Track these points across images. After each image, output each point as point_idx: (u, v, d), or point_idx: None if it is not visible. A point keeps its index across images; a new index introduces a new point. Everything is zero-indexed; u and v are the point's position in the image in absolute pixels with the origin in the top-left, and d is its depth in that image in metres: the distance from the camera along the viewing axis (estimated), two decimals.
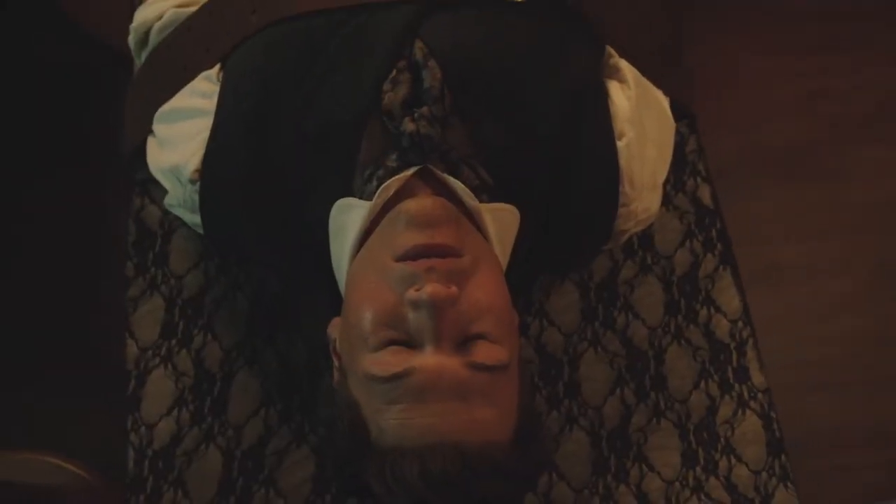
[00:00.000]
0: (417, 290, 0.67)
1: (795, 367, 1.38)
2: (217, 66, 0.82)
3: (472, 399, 0.67)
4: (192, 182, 0.81)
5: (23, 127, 1.49)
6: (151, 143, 0.88)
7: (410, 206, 0.72)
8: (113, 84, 1.48)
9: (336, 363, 0.76)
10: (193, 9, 0.88)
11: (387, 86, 0.75)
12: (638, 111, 0.81)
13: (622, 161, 0.79)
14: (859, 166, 1.60)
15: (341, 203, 0.76)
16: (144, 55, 0.93)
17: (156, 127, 0.86)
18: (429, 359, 0.66)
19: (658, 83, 0.87)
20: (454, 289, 0.67)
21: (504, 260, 0.78)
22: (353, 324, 0.71)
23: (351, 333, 0.72)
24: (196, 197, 0.81)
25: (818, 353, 1.43)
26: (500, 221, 0.76)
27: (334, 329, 0.78)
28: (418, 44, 0.76)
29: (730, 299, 0.93)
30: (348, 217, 0.76)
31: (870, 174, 1.60)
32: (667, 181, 0.91)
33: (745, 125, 1.58)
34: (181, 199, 0.85)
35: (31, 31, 1.57)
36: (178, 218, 0.93)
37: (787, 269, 1.50)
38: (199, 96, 0.82)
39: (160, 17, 0.90)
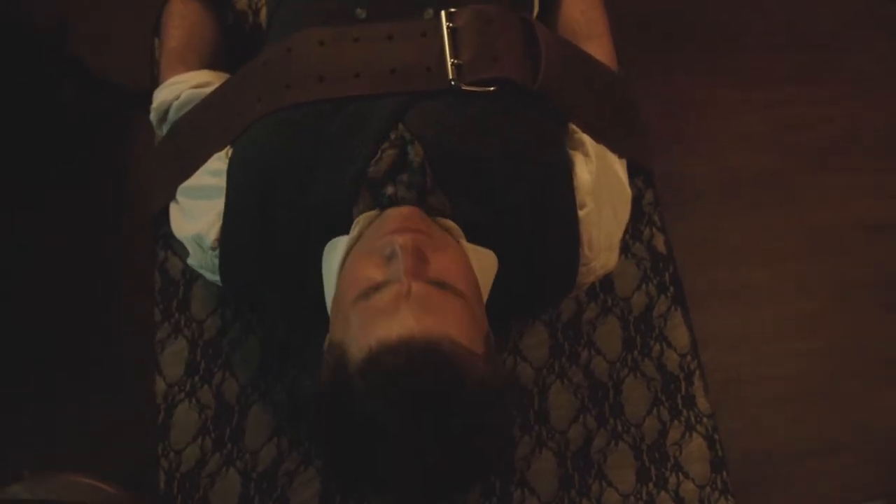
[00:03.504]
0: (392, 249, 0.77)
1: (757, 383, 1.51)
2: (228, 147, 0.94)
3: (442, 313, 0.74)
4: (213, 249, 0.93)
5: (43, 166, 1.62)
6: (175, 211, 1.00)
7: (389, 212, 0.83)
8: (129, 124, 1.62)
9: (327, 358, 0.81)
10: (208, 90, 1.02)
11: (373, 162, 0.86)
12: (598, 183, 0.93)
13: (582, 228, 0.91)
14: (824, 192, 1.71)
15: (329, 244, 0.87)
16: (165, 128, 1.06)
17: (179, 198, 0.99)
18: (401, 279, 0.75)
19: (616, 149, 0.99)
20: (423, 236, 0.78)
21: (484, 297, 0.86)
22: (341, 300, 0.80)
23: (339, 308, 0.80)
24: (216, 261, 0.94)
25: (779, 370, 1.55)
26: (482, 261, 0.86)
27: (326, 340, 0.84)
28: (403, 128, 0.88)
29: (680, 336, 1.06)
30: (336, 252, 0.86)
31: (834, 199, 1.71)
32: (626, 232, 1.04)
33: (715, 153, 1.70)
34: (203, 262, 0.97)
35: (50, 78, 1.70)
36: None
37: (753, 290, 1.61)
38: (214, 175, 0.94)
39: (178, 97, 1.03)
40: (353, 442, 0.75)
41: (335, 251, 0.86)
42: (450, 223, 0.86)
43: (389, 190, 0.85)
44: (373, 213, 0.85)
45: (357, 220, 0.85)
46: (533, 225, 0.90)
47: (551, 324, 1.06)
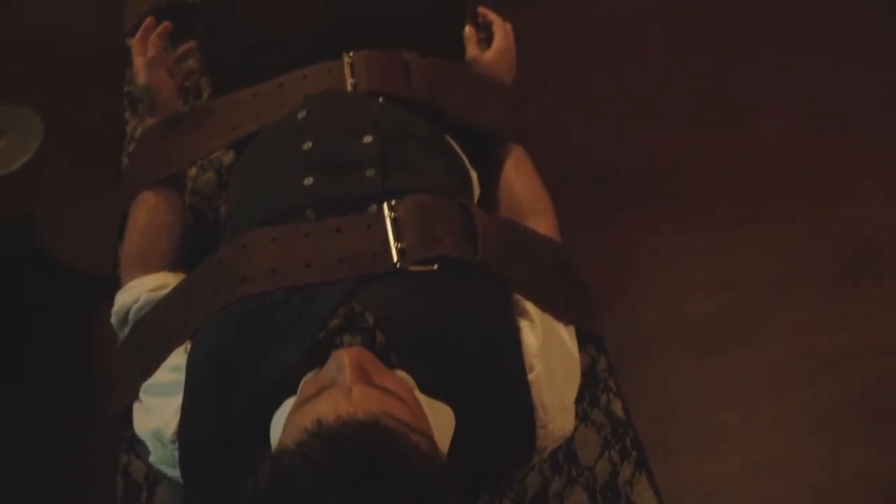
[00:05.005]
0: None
1: None
2: (188, 341, 0.97)
3: (385, 403, 0.72)
4: (172, 442, 0.93)
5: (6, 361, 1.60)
6: (138, 409, 1.01)
7: (335, 353, 0.80)
8: (92, 310, 1.63)
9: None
10: (164, 292, 1.05)
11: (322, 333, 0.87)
12: (545, 346, 0.96)
13: (533, 391, 0.92)
14: (781, 328, 1.73)
15: (279, 409, 0.85)
16: (126, 330, 1.09)
17: (142, 396, 1.00)
18: (344, 383, 0.73)
19: (561, 317, 1.03)
20: (370, 358, 0.78)
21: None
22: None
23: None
24: (176, 454, 0.94)
25: None
26: (437, 413, 0.85)
27: None
28: (354, 304, 0.90)
29: (647, 501, 1.06)
30: (283, 408, 0.84)
31: (792, 334, 1.73)
32: (583, 399, 1.06)
33: (668, 300, 1.73)
34: (163, 458, 0.97)
35: (13, 267, 1.72)
36: (160, 472, 1.05)
37: (723, 435, 1.60)
38: (174, 371, 0.96)
39: (137, 300, 1.07)
40: None
41: (283, 408, 0.85)
42: (402, 373, 0.86)
43: (346, 339, 0.86)
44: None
45: (304, 379, 0.84)
46: (484, 391, 0.91)
47: (518, 500, 1.05)
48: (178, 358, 0.97)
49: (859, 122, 2.02)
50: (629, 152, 1.91)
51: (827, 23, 2.20)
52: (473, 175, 1.14)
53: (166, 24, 1.20)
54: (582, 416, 1.06)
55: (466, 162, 1.14)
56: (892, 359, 1.72)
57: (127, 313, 1.08)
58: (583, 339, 1.06)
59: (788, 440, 1.61)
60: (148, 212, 1.16)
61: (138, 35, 1.21)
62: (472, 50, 1.28)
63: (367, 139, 1.00)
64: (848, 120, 2.02)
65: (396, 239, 0.93)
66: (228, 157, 1.32)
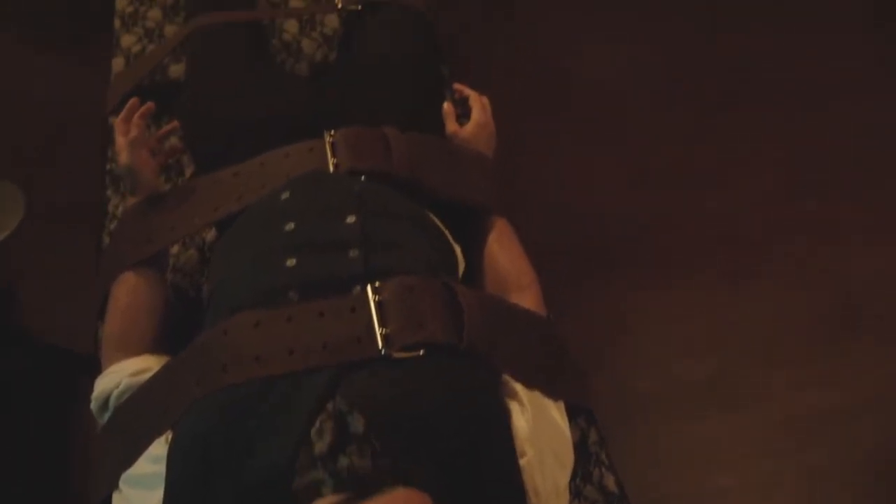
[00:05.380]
0: None
1: None
2: (169, 431, 0.94)
3: None
4: None
5: None
6: (118, 500, 0.98)
7: None
8: (71, 388, 1.60)
9: None
10: (146, 376, 1.03)
11: (314, 436, 0.85)
12: (535, 428, 0.94)
13: (525, 477, 0.91)
14: (772, 387, 1.73)
15: None
16: (106, 416, 1.06)
17: (122, 486, 0.97)
18: None
19: (550, 393, 1.01)
20: None
21: None
22: None
23: None
24: None
25: None
26: None
27: None
28: (340, 400, 0.88)
29: None
30: None
31: (784, 393, 1.73)
32: (575, 474, 1.03)
33: (658, 363, 1.73)
34: None
35: None
36: None
37: (721, 498, 1.59)
38: (155, 462, 0.93)
39: (118, 385, 1.04)
40: None
41: None
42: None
43: (343, 461, 0.84)
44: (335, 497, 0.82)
45: None
46: (476, 477, 0.89)
47: None
48: (159, 448, 0.94)
49: (836, 177, 2.05)
50: (613, 215, 1.93)
51: (803, 78, 2.25)
52: (457, 249, 1.14)
53: (150, 104, 1.21)
54: (575, 493, 1.03)
55: (450, 237, 1.13)
56: (883, 416, 1.72)
57: (107, 399, 1.05)
58: (573, 412, 1.05)
59: (789, 501, 1.60)
60: (129, 293, 1.14)
61: (122, 115, 1.21)
62: (451, 125, 1.29)
63: (350, 219, 1.00)
64: (824, 174, 2.06)
65: (381, 324, 0.91)
66: (211, 235, 1.32)
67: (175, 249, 1.32)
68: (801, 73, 2.26)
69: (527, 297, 1.12)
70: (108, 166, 1.47)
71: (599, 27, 2.35)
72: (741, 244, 1.92)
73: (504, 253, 1.18)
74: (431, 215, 1.12)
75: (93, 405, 1.07)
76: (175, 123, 1.27)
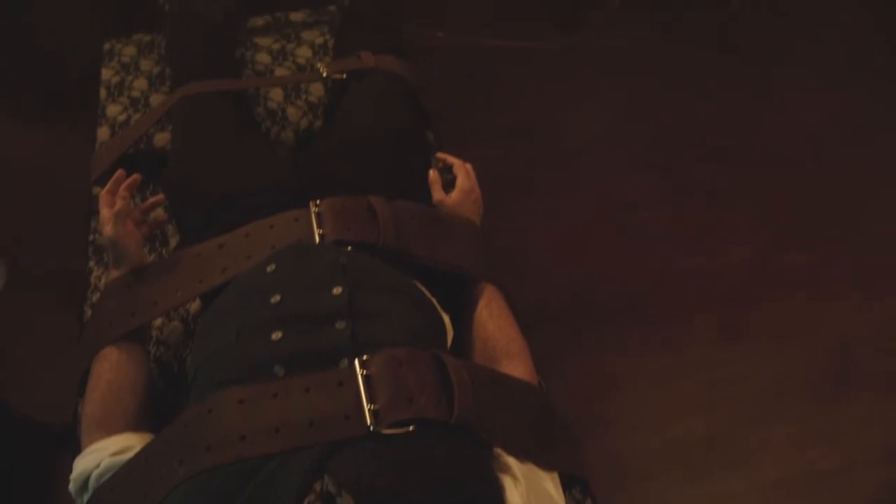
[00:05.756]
0: None
1: None
2: None
3: None
4: None
5: None
6: None
7: None
8: (51, 463, 1.56)
9: None
10: (128, 456, 0.99)
11: None
12: (530, 503, 0.91)
13: None
14: (769, 447, 1.71)
15: None
16: (85, 497, 1.02)
17: None
18: None
19: (544, 464, 0.99)
20: None
21: None
22: None
23: None
24: None
25: None
26: None
27: None
28: (328, 480, 0.85)
29: None
30: None
31: (781, 452, 1.71)
32: None
33: (654, 424, 1.70)
34: None
35: None
36: None
37: None
38: None
39: (98, 465, 1.01)
40: None
41: None
42: None
43: None
44: None
45: None
46: None
47: None
48: None
49: (824, 230, 2.06)
50: (603, 277, 1.93)
51: (784, 135, 2.27)
52: (446, 318, 1.12)
53: (136, 176, 1.20)
54: None
55: (438, 306, 1.12)
56: (884, 471, 1.69)
57: (87, 480, 1.01)
58: (568, 482, 1.02)
59: None
60: (110, 369, 1.12)
61: (108, 186, 1.20)
62: (437, 193, 1.28)
63: (337, 291, 0.98)
64: (814, 227, 2.06)
65: (369, 400, 0.89)
66: (195, 306, 1.29)
67: (158, 322, 1.29)
68: (782, 131, 2.29)
69: (517, 365, 1.10)
70: (91, 237, 1.46)
71: (581, 91, 2.39)
72: (733, 301, 1.91)
73: (493, 321, 1.16)
74: (419, 284, 1.11)
75: (71, 486, 1.04)
76: (160, 196, 1.26)
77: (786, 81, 2.43)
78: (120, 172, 1.21)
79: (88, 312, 1.35)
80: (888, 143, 2.27)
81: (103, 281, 1.37)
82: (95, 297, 1.36)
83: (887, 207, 2.12)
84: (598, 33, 2.54)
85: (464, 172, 1.31)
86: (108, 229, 1.17)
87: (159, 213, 1.32)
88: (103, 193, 1.20)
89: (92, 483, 1.01)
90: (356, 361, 0.92)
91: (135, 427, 1.08)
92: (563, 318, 1.77)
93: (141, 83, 1.72)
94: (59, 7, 2.29)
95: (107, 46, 1.83)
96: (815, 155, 2.24)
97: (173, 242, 1.40)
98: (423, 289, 1.11)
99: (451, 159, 1.33)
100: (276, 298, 1.00)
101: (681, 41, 2.50)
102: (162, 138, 1.58)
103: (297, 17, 1.91)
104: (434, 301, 1.11)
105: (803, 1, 2.71)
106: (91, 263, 1.42)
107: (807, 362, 1.83)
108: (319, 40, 1.83)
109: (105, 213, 1.17)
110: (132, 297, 1.16)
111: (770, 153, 2.24)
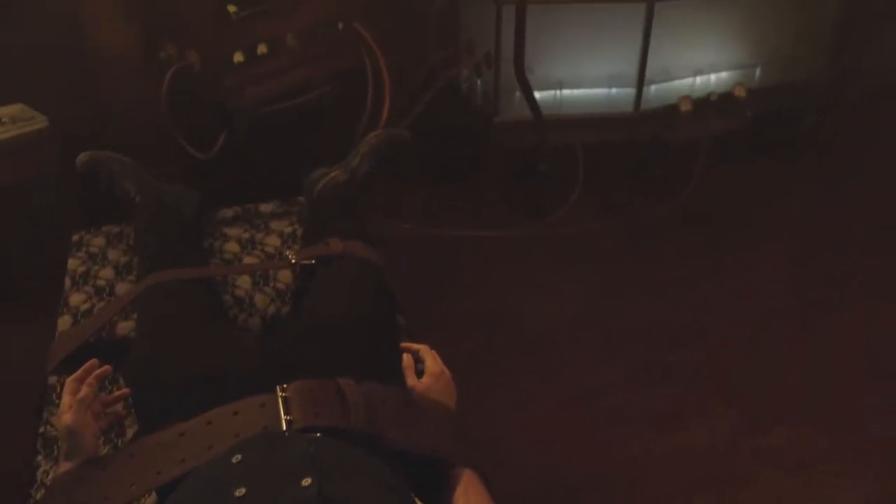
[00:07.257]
0: None
1: None
2: None
3: None
4: None
5: None
6: None
7: None
8: None
9: None
10: None
11: None
12: None
13: None
14: None
15: None
16: None
17: None
18: None
19: None
20: None
21: None
22: None
23: None
24: None
25: None
26: None
27: None
28: None
29: None
30: None
31: None
32: None
33: None
34: None
35: None
36: None
37: None
38: None
39: None
40: None
41: None
42: None
43: None
44: None
45: None
46: None
47: None
48: None
49: (799, 406, 2.05)
50: (578, 460, 1.88)
51: (749, 315, 2.32)
52: None
53: (107, 367, 1.19)
54: None
55: (412, 494, 1.06)
56: None
57: None
58: None
59: None
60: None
61: (77, 374, 1.18)
62: (410, 379, 1.28)
63: (306, 482, 0.92)
64: (792, 404, 2.05)
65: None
66: (150, 500, 1.21)
67: None
68: (746, 310, 2.34)
69: None
70: (41, 429, 1.38)
71: (546, 276, 2.46)
72: (712, 483, 1.85)
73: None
74: (392, 471, 1.06)
75: None
76: (125, 391, 1.24)
77: (747, 257, 2.52)
78: (92, 362, 1.20)
79: None
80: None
81: (50, 477, 1.28)
82: (40, 494, 1.27)
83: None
84: (560, 221, 2.65)
85: (430, 356, 1.31)
86: (66, 417, 1.13)
87: (118, 407, 1.27)
88: (70, 380, 1.18)
89: None
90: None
91: None
92: None
93: (107, 272, 1.72)
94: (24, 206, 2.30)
95: (75, 238, 1.84)
96: (782, 331, 2.27)
97: (130, 433, 1.34)
98: (397, 475, 1.05)
99: (416, 346, 1.34)
100: (241, 492, 0.93)
101: (642, 230, 2.62)
102: (125, 327, 1.55)
103: (266, 208, 1.96)
104: (407, 488, 1.06)
105: (761, 176, 2.90)
106: (39, 458, 1.34)
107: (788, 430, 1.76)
108: (288, 229, 1.87)
109: (67, 399, 1.14)
110: (82, 493, 1.09)
111: (734, 331, 2.28)
